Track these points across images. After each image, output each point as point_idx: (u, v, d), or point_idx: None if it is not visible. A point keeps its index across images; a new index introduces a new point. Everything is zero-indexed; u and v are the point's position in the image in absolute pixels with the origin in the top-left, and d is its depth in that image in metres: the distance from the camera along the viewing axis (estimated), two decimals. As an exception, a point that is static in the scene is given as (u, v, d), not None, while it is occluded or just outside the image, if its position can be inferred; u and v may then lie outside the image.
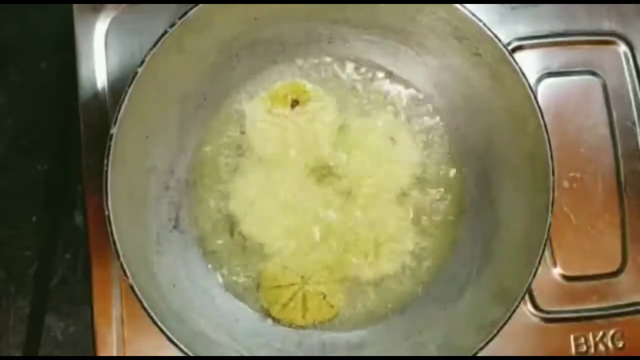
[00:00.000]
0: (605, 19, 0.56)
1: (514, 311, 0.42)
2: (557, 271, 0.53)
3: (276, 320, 0.49)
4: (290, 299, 0.48)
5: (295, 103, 0.50)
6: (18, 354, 0.51)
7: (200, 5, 0.42)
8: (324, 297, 0.49)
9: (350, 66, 0.51)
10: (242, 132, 0.50)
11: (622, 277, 0.53)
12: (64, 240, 0.53)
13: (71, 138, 0.51)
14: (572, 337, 0.52)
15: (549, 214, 0.43)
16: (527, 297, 0.52)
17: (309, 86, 0.51)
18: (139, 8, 0.52)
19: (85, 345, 0.50)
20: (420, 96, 0.52)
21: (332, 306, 0.49)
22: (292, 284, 0.49)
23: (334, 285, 0.49)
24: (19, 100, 0.55)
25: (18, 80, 0.55)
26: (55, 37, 0.54)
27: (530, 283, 0.43)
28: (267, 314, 0.49)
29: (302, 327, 0.49)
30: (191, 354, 0.41)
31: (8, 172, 0.54)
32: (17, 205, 0.53)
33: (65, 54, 0.52)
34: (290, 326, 0.49)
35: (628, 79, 0.56)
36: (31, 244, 0.53)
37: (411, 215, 0.50)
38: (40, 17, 0.56)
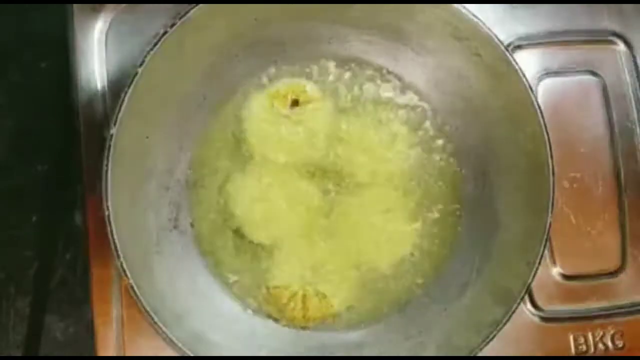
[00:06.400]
0: (604, 18, 0.56)
1: (514, 311, 0.42)
2: (556, 270, 0.53)
3: (276, 320, 0.49)
4: (290, 299, 0.48)
5: (295, 103, 0.50)
6: (18, 354, 0.51)
7: (200, 5, 0.42)
8: (324, 297, 0.49)
9: (350, 66, 0.51)
10: (242, 132, 0.50)
11: (622, 276, 0.53)
12: (64, 240, 0.53)
13: (71, 138, 0.51)
14: (571, 336, 0.52)
15: (549, 214, 0.43)
16: (526, 296, 0.52)
17: (309, 86, 0.50)
18: (139, 8, 0.52)
19: (85, 345, 0.50)
20: (420, 96, 0.52)
21: (332, 306, 0.49)
22: (292, 284, 0.49)
23: (334, 285, 0.49)
24: (19, 100, 0.55)
25: (18, 80, 0.55)
26: (55, 37, 0.54)
27: (530, 283, 0.43)
28: (267, 314, 0.49)
29: (302, 327, 0.49)
30: (191, 354, 0.41)
31: (8, 172, 0.54)
32: (17, 205, 0.53)
33: (65, 54, 0.52)
34: (290, 326, 0.49)
35: (628, 79, 0.56)
36: (31, 244, 0.53)
37: (411, 215, 0.50)
38: (40, 17, 0.56)
